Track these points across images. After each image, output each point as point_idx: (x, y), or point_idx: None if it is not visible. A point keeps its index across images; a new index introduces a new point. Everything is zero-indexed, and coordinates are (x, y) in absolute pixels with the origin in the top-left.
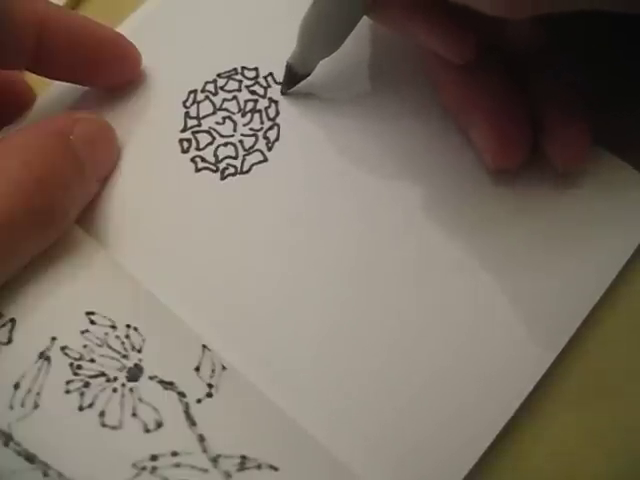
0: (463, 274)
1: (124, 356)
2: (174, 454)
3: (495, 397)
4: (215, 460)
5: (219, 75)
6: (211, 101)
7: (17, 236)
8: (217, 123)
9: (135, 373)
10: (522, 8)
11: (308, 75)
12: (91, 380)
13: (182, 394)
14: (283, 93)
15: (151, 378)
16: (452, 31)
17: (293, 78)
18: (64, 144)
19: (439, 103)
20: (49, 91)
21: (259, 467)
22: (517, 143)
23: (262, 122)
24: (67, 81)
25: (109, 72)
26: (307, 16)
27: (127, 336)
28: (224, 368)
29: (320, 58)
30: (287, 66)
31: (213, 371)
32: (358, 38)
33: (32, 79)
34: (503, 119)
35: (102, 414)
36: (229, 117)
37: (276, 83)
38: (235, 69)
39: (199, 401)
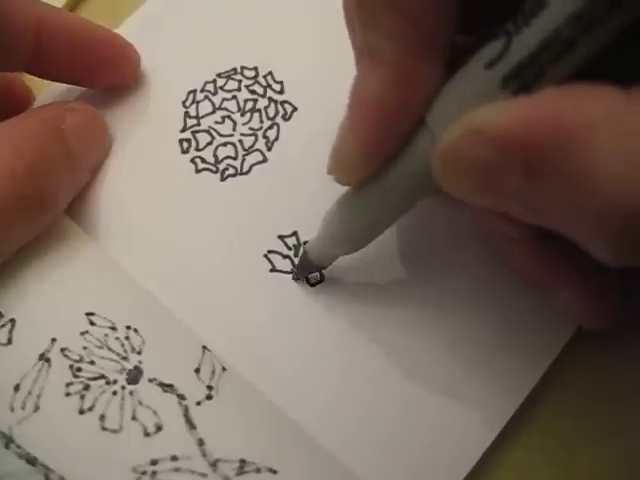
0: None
1: (124, 358)
2: (174, 458)
3: (496, 398)
4: (214, 464)
5: (219, 75)
6: (210, 101)
7: (7, 221)
8: (216, 122)
9: (135, 376)
10: None
11: (325, 268)
12: (91, 383)
13: (182, 397)
14: (295, 279)
15: (151, 380)
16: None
17: (308, 267)
18: (55, 132)
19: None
20: (47, 92)
21: (258, 471)
22: (609, 303)
23: (262, 121)
24: (65, 82)
25: (107, 73)
26: (337, 213)
27: (127, 337)
28: (224, 369)
29: (341, 255)
30: (304, 253)
31: (213, 372)
32: None
33: (30, 80)
34: (590, 282)
35: (102, 418)
36: (228, 116)
37: (275, 82)
38: (234, 69)
39: (199, 404)
